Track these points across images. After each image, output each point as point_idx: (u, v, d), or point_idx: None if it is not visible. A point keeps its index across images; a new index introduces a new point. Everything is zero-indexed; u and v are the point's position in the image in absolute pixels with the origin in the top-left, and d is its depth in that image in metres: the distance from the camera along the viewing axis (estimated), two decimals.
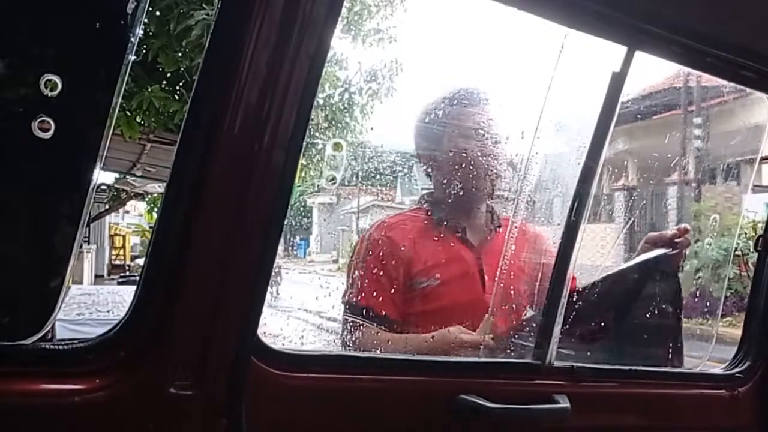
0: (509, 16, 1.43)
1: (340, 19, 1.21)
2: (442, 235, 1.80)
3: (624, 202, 11.47)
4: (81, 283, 10.45)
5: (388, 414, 1.39)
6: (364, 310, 1.69)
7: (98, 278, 14.77)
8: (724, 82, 1.85)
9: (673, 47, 1.58)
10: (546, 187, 1.81)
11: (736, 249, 5.54)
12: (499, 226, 1.86)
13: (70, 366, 1.09)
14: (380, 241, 1.77)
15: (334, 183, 1.81)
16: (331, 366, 1.38)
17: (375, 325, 1.68)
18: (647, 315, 1.85)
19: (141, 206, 17.81)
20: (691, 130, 11.16)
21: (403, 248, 1.75)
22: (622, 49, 1.53)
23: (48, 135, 0.99)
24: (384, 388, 1.40)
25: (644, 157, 10.87)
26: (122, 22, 1.03)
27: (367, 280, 1.73)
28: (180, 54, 5.56)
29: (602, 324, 1.80)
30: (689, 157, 11.59)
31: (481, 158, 1.76)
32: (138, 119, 6.06)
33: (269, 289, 1.25)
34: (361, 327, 1.68)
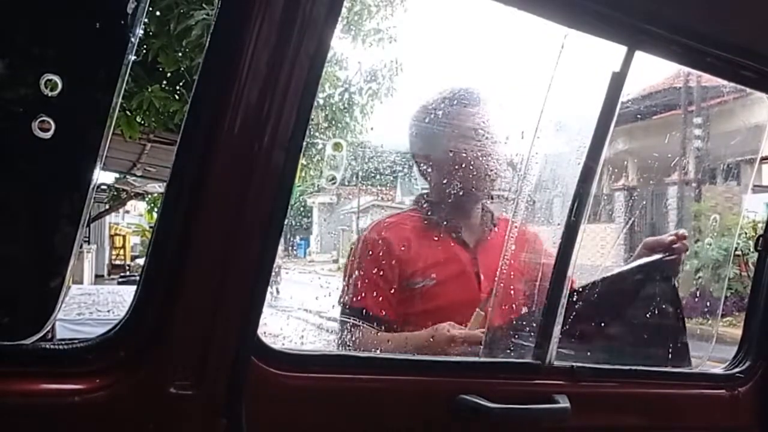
0: (509, 16, 1.43)
1: (340, 19, 1.21)
2: (438, 236, 1.81)
3: (624, 202, 11.47)
4: (81, 283, 10.45)
5: (388, 414, 1.39)
6: (361, 311, 1.69)
7: (98, 278, 14.78)
8: (724, 82, 1.85)
9: (673, 47, 1.58)
10: (546, 187, 1.81)
11: (736, 249, 5.54)
12: (495, 226, 1.87)
13: (70, 366, 1.09)
14: (376, 242, 1.77)
15: (334, 183, 1.81)
16: (331, 366, 1.38)
17: (371, 325, 1.68)
18: (644, 318, 1.85)
19: (141, 206, 17.82)
20: (691, 130, 11.15)
21: (398, 249, 1.75)
22: (622, 49, 1.53)
23: (48, 135, 0.99)
24: (384, 388, 1.40)
25: (644, 157, 10.86)
26: (122, 22, 1.03)
27: (363, 281, 1.73)
28: (180, 54, 5.56)
29: (596, 325, 1.80)
30: (689, 157, 11.59)
31: (476, 158, 1.77)
32: (138, 119, 6.06)
33: (269, 288, 1.25)
34: (358, 328, 1.68)
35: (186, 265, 1.15)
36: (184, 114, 1.16)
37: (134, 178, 10.37)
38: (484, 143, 1.79)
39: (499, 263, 1.79)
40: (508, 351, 1.67)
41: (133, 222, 20.75)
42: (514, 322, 1.72)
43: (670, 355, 1.85)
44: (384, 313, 1.70)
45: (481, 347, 1.60)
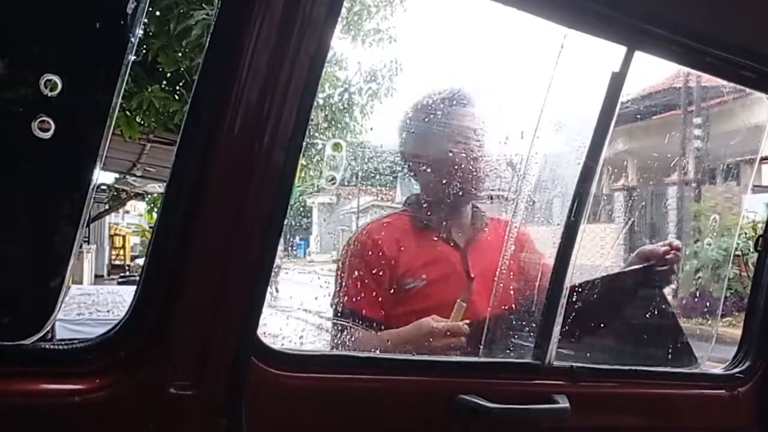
0: (509, 17, 1.43)
1: (340, 19, 1.21)
2: (428, 236, 1.81)
3: (624, 202, 11.47)
4: (81, 283, 10.46)
5: (388, 414, 1.39)
6: (352, 314, 1.69)
7: (98, 278, 14.77)
8: (724, 82, 1.85)
9: (673, 47, 1.58)
10: (546, 187, 1.81)
11: (736, 249, 5.54)
12: (486, 226, 1.87)
13: (70, 366, 1.09)
14: (366, 244, 1.78)
15: (334, 183, 1.81)
16: (331, 366, 1.38)
17: (363, 326, 1.68)
18: (632, 324, 1.85)
19: (141, 206, 17.81)
20: (691, 130, 11.15)
21: (389, 250, 1.75)
22: (622, 49, 1.53)
23: (48, 135, 0.99)
24: (384, 388, 1.40)
25: (644, 157, 10.86)
26: (122, 22, 1.03)
27: (354, 283, 1.73)
28: (180, 54, 5.56)
29: (583, 325, 1.79)
30: (689, 157, 11.59)
31: (466, 159, 1.77)
32: (138, 119, 6.06)
33: (268, 288, 1.25)
34: (349, 329, 1.68)
35: (186, 265, 1.15)
36: (184, 114, 1.16)
37: (134, 178, 10.37)
38: (475, 143, 1.79)
39: (490, 263, 1.79)
40: (506, 350, 1.67)
41: (133, 222, 20.75)
42: (509, 321, 1.71)
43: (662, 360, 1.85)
44: (375, 314, 1.70)
45: (464, 339, 1.59)
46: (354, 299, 1.72)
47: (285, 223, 1.23)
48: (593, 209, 1.67)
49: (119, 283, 10.86)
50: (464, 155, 1.77)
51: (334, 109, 6.88)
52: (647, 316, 1.84)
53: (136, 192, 12.76)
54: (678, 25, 1.54)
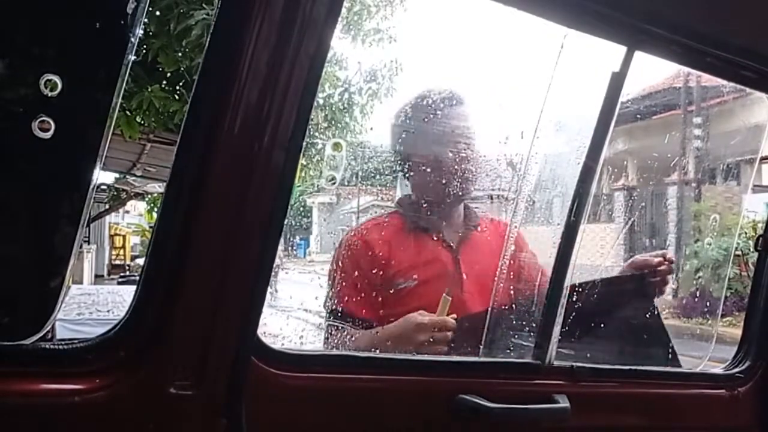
0: (509, 17, 1.43)
1: (340, 19, 1.21)
2: (419, 237, 1.81)
3: (624, 202, 11.47)
4: (81, 283, 10.45)
5: (388, 414, 1.39)
6: (345, 314, 1.70)
7: (98, 278, 14.77)
8: (724, 82, 1.84)
9: (673, 47, 1.58)
10: (546, 187, 1.81)
11: (736, 249, 5.54)
12: (478, 226, 1.87)
13: (70, 366, 1.09)
14: (357, 245, 1.78)
15: (334, 183, 1.81)
16: (331, 366, 1.38)
17: (355, 327, 1.68)
18: (620, 331, 1.84)
19: (141, 206, 17.81)
20: (691, 130, 11.15)
21: (379, 251, 1.76)
22: (622, 49, 1.53)
23: (48, 135, 0.99)
24: (384, 388, 1.40)
25: (644, 157, 10.87)
26: (122, 22, 1.03)
27: (345, 285, 1.74)
28: (180, 54, 5.56)
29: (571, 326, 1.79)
30: (689, 157, 11.59)
31: (456, 159, 1.77)
32: (138, 119, 6.06)
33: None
34: (342, 330, 1.68)
35: (186, 265, 1.15)
36: (184, 114, 1.16)
37: (134, 178, 10.38)
38: (466, 144, 1.79)
39: (482, 263, 1.81)
40: (502, 349, 1.67)
41: (133, 222, 20.74)
42: (502, 321, 1.72)
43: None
44: (367, 314, 1.70)
45: (451, 333, 1.58)
46: (346, 300, 1.72)
47: (285, 223, 1.23)
48: (593, 209, 1.67)
49: (119, 283, 10.86)
50: (455, 155, 1.77)
51: (334, 109, 6.89)
52: (635, 323, 1.83)
53: (136, 192, 12.76)
54: (678, 25, 1.54)
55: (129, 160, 8.75)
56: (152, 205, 14.01)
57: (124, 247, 19.08)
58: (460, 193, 1.82)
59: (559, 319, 1.56)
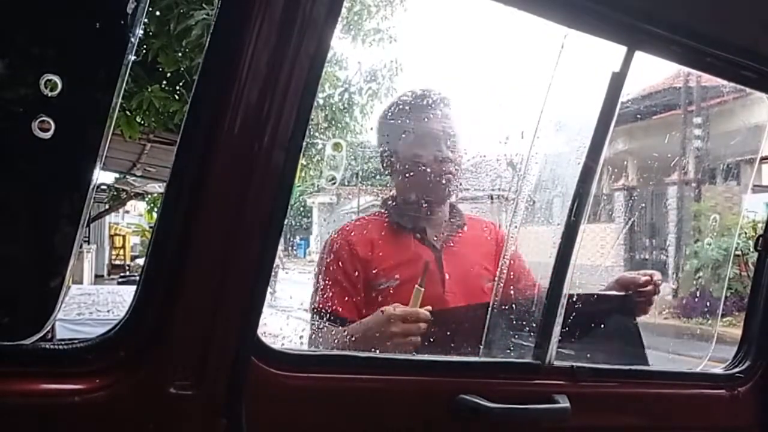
0: (509, 17, 1.43)
1: (340, 19, 1.21)
2: (402, 237, 1.82)
3: (624, 202, 11.47)
4: (81, 283, 10.45)
5: (388, 414, 1.39)
6: (329, 314, 1.70)
7: (98, 278, 14.77)
8: (724, 82, 1.85)
9: (673, 47, 1.58)
10: (546, 187, 1.81)
11: (736, 249, 5.55)
12: (463, 226, 1.87)
13: (70, 366, 1.09)
14: (341, 246, 1.78)
15: (334, 183, 1.81)
16: (331, 366, 1.38)
17: (338, 327, 1.69)
18: (596, 346, 1.82)
19: (141, 206, 17.81)
20: (691, 130, 11.16)
21: (362, 251, 1.76)
22: (622, 49, 1.53)
23: (48, 135, 0.99)
24: (384, 388, 1.40)
25: (644, 157, 10.87)
26: (122, 22, 1.03)
27: (329, 285, 1.74)
28: (180, 54, 5.56)
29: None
30: (689, 157, 11.60)
31: (437, 160, 1.77)
32: (138, 119, 6.06)
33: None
34: (324, 330, 1.68)
35: (186, 265, 1.14)
36: (184, 114, 1.16)
37: (134, 178, 10.38)
38: (448, 144, 1.79)
39: (465, 263, 1.82)
40: (486, 348, 1.66)
41: (133, 222, 20.74)
42: (485, 320, 1.72)
43: None
44: (350, 313, 1.71)
45: (423, 325, 1.57)
46: (329, 299, 1.72)
47: (285, 223, 1.23)
48: (593, 209, 1.67)
49: (119, 283, 10.85)
50: (437, 156, 1.77)
51: (334, 109, 6.89)
52: (612, 338, 1.82)
53: (136, 192, 12.76)
54: (678, 25, 1.54)
55: (129, 160, 8.76)
56: (152, 205, 14.01)
57: (124, 247, 19.08)
58: (444, 194, 1.82)
59: (559, 319, 1.56)
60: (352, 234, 1.82)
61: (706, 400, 1.82)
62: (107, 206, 14.19)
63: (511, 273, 1.77)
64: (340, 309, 1.71)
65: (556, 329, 1.56)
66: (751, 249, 1.92)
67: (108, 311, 5.19)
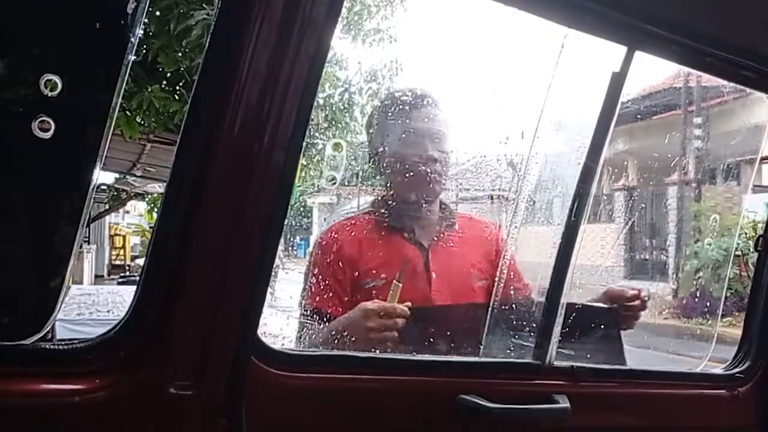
0: (509, 17, 1.43)
1: (340, 19, 1.21)
2: (390, 236, 1.82)
3: (624, 202, 11.48)
4: (81, 283, 10.45)
5: (388, 414, 1.39)
6: (317, 313, 1.70)
7: (98, 278, 14.77)
8: (724, 82, 1.85)
9: (673, 47, 1.58)
10: (546, 187, 1.81)
11: (736, 249, 5.55)
12: (454, 225, 1.87)
13: (70, 366, 1.09)
14: (330, 245, 1.79)
15: (334, 183, 1.81)
16: (331, 366, 1.38)
17: (324, 325, 1.69)
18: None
19: (141, 206, 17.81)
20: (691, 130, 11.16)
21: (350, 250, 1.77)
22: (622, 49, 1.53)
23: (48, 135, 0.99)
24: (384, 388, 1.40)
25: (644, 157, 10.87)
26: (122, 22, 1.03)
27: (317, 284, 1.75)
28: (180, 54, 5.56)
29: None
30: (689, 157, 11.60)
31: (424, 159, 1.77)
32: (138, 119, 6.06)
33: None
34: (310, 328, 1.69)
35: (186, 265, 1.15)
36: (184, 114, 1.16)
37: (134, 178, 10.38)
38: (435, 144, 1.79)
39: (453, 262, 1.82)
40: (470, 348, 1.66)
41: (133, 222, 20.74)
42: (473, 320, 1.72)
43: None
44: (337, 312, 1.71)
45: (401, 321, 1.57)
46: (318, 298, 1.73)
47: (285, 223, 1.23)
48: (593, 209, 1.67)
49: (119, 283, 10.85)
50: (424, 155, 1.77)
51: (334, 109, 6.89)
52: (593, 347, 1.81)
53: (136, 192, 12.76)
54: (678, 25, 1.54)
55: (129, 160, 8.76)
56: (152, 205, 14.02)
57: (124, 247, 19.08)
58: (432, 193, 1.82)
59: (559, 319, 1.56)
60: (341, 233, 1.82)
61: (706, 400, 1.82)
62: (107, 206, 14.20)
63: (502, 273, 1.77)
64: (327, 307, 1.71)
65: (556, 329, 1.56)
66: (751, 249, 1.92)
67: (108, 311, 5.20)
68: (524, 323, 1.67)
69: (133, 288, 1.19)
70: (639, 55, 1.54)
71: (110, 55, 1.05)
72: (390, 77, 6.93)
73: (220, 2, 1.13)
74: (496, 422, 1.45)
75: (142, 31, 1.09)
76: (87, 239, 13.86)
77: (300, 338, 1.71)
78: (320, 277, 1.76)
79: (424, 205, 1.84)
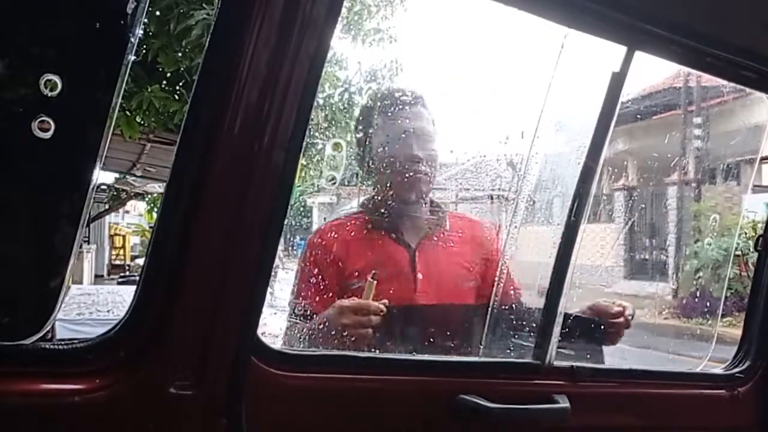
0: (509, 16, 1.43)
1: (340, 19, 1.21)
2: (378, 237, 1.82)
3: (624, 202, 11.48)
4: (81, 283, 10.45)
5: (388, 414, 1.39)
6: (305, 313, 1.70)
7: (98, 278, 14.77)
8: (724, 82, 1.85)
9: (673, 47, 1.58)
10: (546, 187, 1.81)
11: (736, 249, 5.55)
12: (443, 225, 1.87)
13: (70, 366, 1.09)
14: (319, 245, 1.80)
15: (334, 183, 1.82)
16: (331, 366, 1.38)
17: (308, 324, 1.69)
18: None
19: (141, 206, 17.81)
20: (691, 130, 11.16)
21: (338, 251, 1.78)
22: (622, 49, 1.53)
23: (48, 135, 0.99)
24: (384, 388, 1.40)
25: (644, 157, 10.88)
26: (122, 22, 1.03)
27: (308, 283, 1.76)
28: (180, 54, 5.56)
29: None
30: (689, 157, 11.61)
31: (411, 159, 1.77)
32: (138, 119, 6.05)
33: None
34: (296, 327, 1.69)
35: (186, 265, 1.15)
36: (184, 114, 1.16)
37: (134, 178, 10.38)
38: (423, 143, 1.79)
39: (440, 262, 1.82)
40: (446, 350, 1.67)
41: (133, 222, 20.73)
42: (458, 321, 1.73)
43: None
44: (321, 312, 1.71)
45: (375, 318, 1.57)
46: (306, 299, 1.73)
47: (285, 223, 1.23)
48: (593, 209, 1.67)
49: (119, 283, 10.86)
50: (411, 155, 1.77)
51: (334, 109, 6.88)
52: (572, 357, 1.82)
53: (136, 192, 12.76)
54: (678, 25, 1.54)
55: (129, 160, 8.76)
56: (152, 205, 14.01)
57: (124, 247, 19.08)
58: (419, 193, 1.81)
59: (560, 319, 1.56)
60: (329, 234, 1.83)
61: (706, 400, 1.82)
62: (107, 206, 14.19)
63: (490, 272, 1.77)
64: (315, 308, 1.71)
65: (556, 329, 1.56)
66: (751, 249, 1.92)
67: (108, 311, 5.19)
68: (513, 325, 1.67)
69: (133, 288, 1.19)
70: (639, 55, 1.54)
71: (110, 55, 1.05)
72: (390, 77, 6.93)
73: (220, 2, 1.13)
74: (496, 422, 1.45)
75: (142, 31, 1.09)
76: (87, 239, 13.86)
77: (287, 337, 1.71)
78: (309, 276, 1.77)
79: (411, 205, 1.83)
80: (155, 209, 12.90)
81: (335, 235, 1.82)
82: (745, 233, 4.75)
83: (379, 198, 1.83)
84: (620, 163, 11.28)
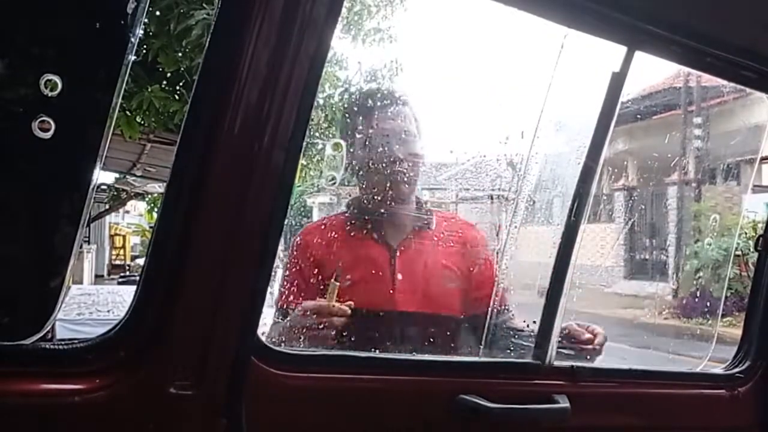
0: (509, 16, 1.43)
1: (340, 19, 1.21)
2: (358, 238, 1.82)
3: (624, 202, 11.48)
4: (81, 283, 10.45)
5: (388, 414, 1.39)
6: (285, 312, 1.71)
7: (98, 278, 14.77)
8: (724, 82, 1.85)
9: (673, 47, 1.58)
10: (546, 187, 1.81)
11: (736, 249, 5.55)
12: (428, 225, 1.86)
13: (70, 366, 1.09)
14: (301, 246, 1.80)
15: (334, 183, 1.81)
16: (331, 366, 1.38)
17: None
18: None
19: (141, 206, 17.81)
20: (691, 130, 11.16)
21: (320, 252, 1.78)
22: (622, 49, 1.53)
23: (48, 135, 0.99)
24: (384, 388, 1.40)
25: (644, 157, 10.88)
26: (122, 22, 1.03)
27: (291, 284, 1.76)
28: (180, 54, 5.55)
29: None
30: (689, 157, 11.61)
31: (396, 159, 1.76)
32: (138, 119, 6.05)
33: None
34: (278, 326, 1.69)
35: (186, 265, 1.15)
36: (184, 114, 1.16)
37: (134, 178, 10.37)
38: (405, 143, 1.78)
39: (421, 263, 1.81)
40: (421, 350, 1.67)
41: (133, 222, 20.73)
42: (435, 323, 1.72)
43: None
44: None
45: (337, 319, 1.57)
46: (290, 298, 1.73)
47: (285, 223, 1.23)
48: (593, 209, 1.67)
49: (119, 283, 10.85)
50: (393, 155, 1.76)
51: (334, 109, 6.88)
52: None
53: (136, 192, 12.75)
54: (678, 25, 1.54)
55: (129, 160, 8.75)
56: (152, 205, 14.01)
57: (124, 247, 19.08)
58: (402, 193, 1.80)
59: (559, 319, 1.56)
60: (312, 235, 1.83)
61: (706, 400, 1.82)
62: (107, 206, 14.19)
63: (477, 274, 1.77)
64: (294, 307, 1.70)
65: (556, 329, 1.56)
66: (751, 249, 1.92)
67: (108, 311, 5.20)
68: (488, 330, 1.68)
69: (133, 288, 1.19)
70: (639, 55, 1.54)
71: (110, 55, 1.05)
72: (390, 77, 6.93)
73: (220, 2, 1.13)
74: (496, 422, 1.45)
75: (142, 31, 1.09)
76: (87, 239, 13.86)
77: (269, 337, 1.71)
78: (293, 277, 1.77)
79: (393, 206, 1.82)
80: (155, 209, 12.90)
81: (318, 236, 1.82)
82: (745, 233, 4.74)
83: (363, 198, 1.83)
84: (620, 163, 11.28)
